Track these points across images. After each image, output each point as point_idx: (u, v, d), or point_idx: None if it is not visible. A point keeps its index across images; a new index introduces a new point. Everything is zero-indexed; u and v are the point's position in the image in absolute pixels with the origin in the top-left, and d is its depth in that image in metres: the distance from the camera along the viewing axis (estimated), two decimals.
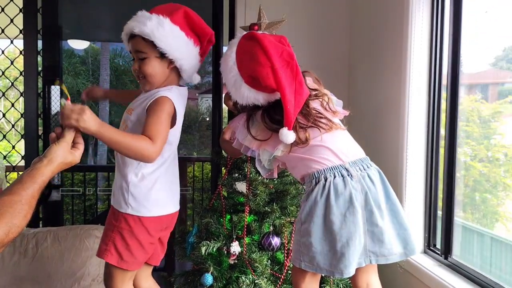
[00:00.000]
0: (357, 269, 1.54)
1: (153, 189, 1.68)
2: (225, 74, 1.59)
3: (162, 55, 1.63)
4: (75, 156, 1.21)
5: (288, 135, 1.48)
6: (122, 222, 1.67)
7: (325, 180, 1.52)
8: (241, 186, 2.13)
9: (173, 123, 1.66)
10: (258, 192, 2.04)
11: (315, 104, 1.60)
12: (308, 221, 1.52)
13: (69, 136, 1.23)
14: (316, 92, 1.62)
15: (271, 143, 1.58)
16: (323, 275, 1.59)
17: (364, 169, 1.56)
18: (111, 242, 1.68)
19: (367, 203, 1.51)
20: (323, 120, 1.57)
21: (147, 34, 1.58)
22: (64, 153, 1.18)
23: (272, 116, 1.56)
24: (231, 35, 2.97)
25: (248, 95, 1.54)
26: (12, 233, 0.99)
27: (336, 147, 1.56)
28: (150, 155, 1.48)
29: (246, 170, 2.10)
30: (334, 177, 1.51)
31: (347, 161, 1.55)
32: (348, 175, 1.52)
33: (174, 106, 1.62)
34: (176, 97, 1.66)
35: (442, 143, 2.18)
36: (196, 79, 1.81)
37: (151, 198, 1.68)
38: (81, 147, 1.25)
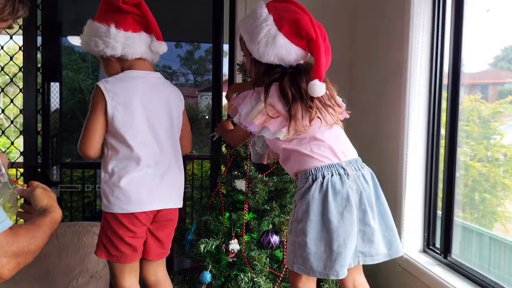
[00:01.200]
0: None
1: (120, 187, 1.69)
2: (254, 26, 1.53)
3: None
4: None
5: (321, 87, 1.47)
6: (104, 219, 1.75)
7: (323, 178, 1.50)
8: (241, 184, 2.13)
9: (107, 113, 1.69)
10: (258, 190, 2.04)
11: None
12: (304, 219, 1.50)
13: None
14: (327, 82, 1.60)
15: (275, 123, 1.54)
16: (316, 277, 1.56)
17: (359, 169, 1.57)
18: (99, 240, 1.78)
19: (361, 203, 1.52)
20: (330, 111, 1.57)
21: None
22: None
23: (298, 82, 1.53)
24: (232, 34, 2.96)
25: (282, 44, 1.50)
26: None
27: (335, 145, 1.56)
28: (80, 151, 1.70)
29: (246, 168, 2.09)
30: (332, 175, 1.50)
31: (344, 160, 1.55)
32: (345, 174, 1.51)
33: (101, 92, 1.67)
34: (112, 83, 1.71)
35: (442, 142, 2.18)
36: (161, 48, 1.78)
37: (119, 195, 1.70)
38: None
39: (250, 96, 1.58)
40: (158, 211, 1.79)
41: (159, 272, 1.92)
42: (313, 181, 1.51)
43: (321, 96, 1.54)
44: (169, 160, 1.80)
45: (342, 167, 1.53)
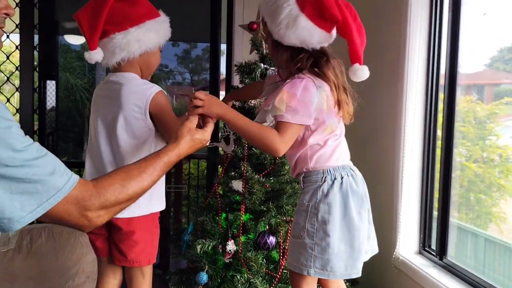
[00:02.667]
0: None
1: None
2: (275, 6, 1.42)
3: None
4: (203, 134, 1.32)
5: (363, 69, 1.41)
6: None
7: (342, 178, 1.49)
8: (237, 185, 2.13)
9: None
10: (254, 190, 2.04)
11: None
12: (327, 220, 1.46)
13: (194, 118, 1.33)
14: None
15: (333, 112, 1.48)
16: (337, 278, 1.55)
17: (357, 171, 1.58)
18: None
19: (366, 203, 1.55)
20: (351, 105, 1.54)
21: None
22: (189, 131, 1.28)
23: (321, 68, 1.45)
24: (229, 34, 2.96)
25: (304, 26, 1.39)
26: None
27: (346, 146, 1.58)
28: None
29: (243, 169, 2.09)
30: (348, 175, 1.51)
31: (349, 160, 1.58)
32: (355, 174, 1.54)
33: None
34: None
35: (438, 143, 2.19)
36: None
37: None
38: (209, 127, 1.36)
39: (303, 84, 1.42)
40: None
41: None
42: (332, 180, 1.49)
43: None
44: None
45: (351, 168, 1.54)
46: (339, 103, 1.49)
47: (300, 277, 1.55)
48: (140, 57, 1.67)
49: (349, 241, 1.47)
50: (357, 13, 1.45)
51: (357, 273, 1.49)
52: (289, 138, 1.42)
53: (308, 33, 1.41)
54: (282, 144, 1.41)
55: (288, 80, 1.46)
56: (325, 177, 1.49)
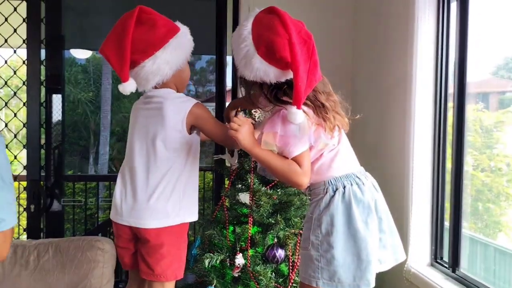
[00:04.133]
0: None
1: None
2: (236, 45, 1.50)
3: None
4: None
5: (297, 114, 1.41)
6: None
7: (344, 188, 1.50)
8: (245, 197, 2.12)
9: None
10: (262, 203, 2.03)
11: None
12: (330, 232, 1.48)
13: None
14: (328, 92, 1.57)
15: (321, 128, 1.49)
16: None
17: (367, 178, 1.58)
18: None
19: (377, 211, 1.53)
20: (339, 118, 1.53)
21: None
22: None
23: (279, 96, 1.48)
24: None
25: (258, 68, 1.44)
26: None
27: (348, 154, 1.57)
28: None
29: (250, 181, 2.08)
30: (351, 184, 1.51)
31: (357, 169, 1.56)
32: (361, 182, 1.52)
33: None
34: None
35: (448, 153, 2.18)
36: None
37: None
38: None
39: (282, 115, 1.48)
40: None
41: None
42: (334, 191, 1.50)
43: (330, 104, 1.52)
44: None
45: (357, 176, 1.53)
46: (324, 119, 1.49)
47: None
48: (172, 76, 1.73)
49: (356, 251, 1.46)
50: (315, 49, 1.46)
51: (367, 284, 1.47)
52: (307, 167, 1.48)
53: (263, 72, 1.45)
54: (304, 177, 1.48)
55: (269, 116, 1.54)
56: (327, 188, 1.51)
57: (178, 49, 1.70)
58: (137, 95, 1.85)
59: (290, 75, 1.44)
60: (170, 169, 1.73)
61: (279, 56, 1.41)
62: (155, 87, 1.73)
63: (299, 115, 1.42)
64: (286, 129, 1.46)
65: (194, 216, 1.81)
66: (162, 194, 1.71)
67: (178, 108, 1.72)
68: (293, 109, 1.41)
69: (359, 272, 1.46)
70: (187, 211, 1.77)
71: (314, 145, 1.49)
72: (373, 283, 1.48)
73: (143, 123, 1.78)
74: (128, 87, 1.65)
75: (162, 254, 1.72)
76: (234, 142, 1.56)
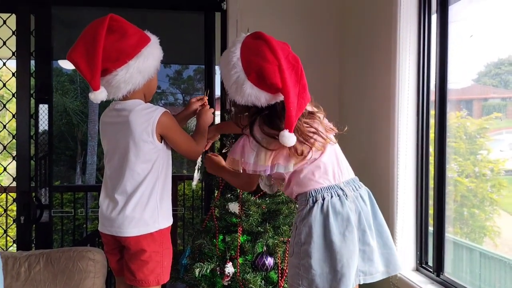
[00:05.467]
0: None
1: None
2: (226, 71, 1.53)
3: None
4: None
5: (289, 138, 1.44)
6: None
7: (323, 200, 1.53)
8: (234, 207, 2.14)
9: None
10: (251, 212, 2.05)
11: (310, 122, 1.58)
12: (307, 242, 1.51)
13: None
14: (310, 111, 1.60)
15: (282, 157, 1.54)
16: None
17: (357, 189, 1.60)
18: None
19: (360, 223, 1.55)
20: (316, 137, 1.55)
21: None
22: None
23: (273, 120, 1.52)
24: None
25: (250, 93, 1.49)
26: None
27: (333, 165, 1.59)
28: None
29: (239, 191, 2.11)
30: (332, 196, 1.53)
31: (342, 180, 1.58)
32: (344, 194, 1.54)
33: None
34: None
35: (430, 159, 2.22)
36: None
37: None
38: None
39: (248, 143, 1.57)
40: None
41: None
42: (314, 203, 1.53)
43: (307, 125, 1.55)
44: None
45: (341, 188, 1.55)
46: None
47: None
48: (143, 85, 1.74)
49: (332, 263, 1.50)
50: (303, 72, 1.50)
51: None
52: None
53: (255, 97, 1.50)
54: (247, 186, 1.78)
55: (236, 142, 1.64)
56: (308, 199, 1.55)
57: (149, 59, 1.70)
58: None
59: (280, 97, 1.48)
60: (146, 178, 1.75)
61: (269, 82, 1.46)
62: (125, 96, 1.73)
63: (292, 139, 1.45)
64: (245, 156, 1.56)
65: (169, 221, 1.85)
66: (139, 203, 1.74)
67: (145, 119, 1.72)
68: (285, 132, 1.44)
69: (334, 283, 1.50)
70: (164, 217, 1.80)
71: (271, 173, 1.57)
72: None
73: (113, 138, 1.79)
74: (99, 95, 1.64)
75: (143, 261, 1.75)
76: (196, 156, 1.90)
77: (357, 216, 1.55)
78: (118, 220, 1.74)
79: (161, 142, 1.77)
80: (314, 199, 1.54)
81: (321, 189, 1.54)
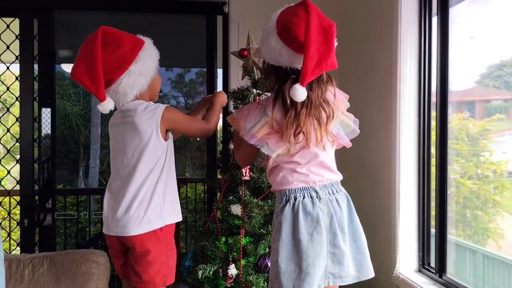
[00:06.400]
0: None
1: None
2: (263, 30, 1.56)
3: None
4: None
5: (300, 91, 1.44)
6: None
7: (295, 200, 1.55)
8: (236, 209, 2.15)
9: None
10: (253, 214, 2.06)
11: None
12: (277, 239, 1.55)
13: None
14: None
15: (274, 140, 1.55)
16: None
17: (333, 193, 1.60)
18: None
19: (331, 226, 1.56)
20: (319, 132, 1.54)
21: None
22: None
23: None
24: (225, 60, 3.03)
25: (274, 47, 1.50)
26: None
27: (313, 168, 1.59)
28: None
29: (241, 193, 2.12)
30: (304, 197, 1.55)
31: (319, 184, 1.59)
32: (317, 197, 1.56)
33: None
34: None
35: (432, 161, 2.22)
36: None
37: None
38: None
39: (254, 109, 1.59)
40: None
41: None
42: (287, 202, 1.56)
43: (314, 111, 1.54)
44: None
45: (315, 191, 1.57)
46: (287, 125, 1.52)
47: None
48: (148, 87, 1.81)
49: (298, 261, 1.51)
50: (334, 36, 1.48)
51: None
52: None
53: (278, 51, 1.51)
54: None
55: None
56: (282, 198, 1.58)
57: (147, 60, 1.76)
58: None
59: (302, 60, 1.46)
60: (148, 177, 1.77)
61: (293, 33, 1.46)
62: (132, 100, 1.79)
63: (302, 94, 1.45)
64: (246, 120, 1.58)
65: (177, 217, 1.86)
66: (142, 202, 1.76)
67: (148, 117, 1.76)
68: (297, 85, 1.45)
69: (298, 281, 1.51)
70: (169, 213, 1.81)
71: (255, 145, 1.56)
72: None
73: (120, 139, 1.82)
74: (107, 106, 1.72)
75: (149, 262, 1.76)
76: (208, 134, 1.93)
77: (328, 219, 1.56)
78: (123, 220, 1.75)
79: (166, 140, 1.80)
80: (287, 198, 1.57)
81: (295, 189, 1.57)
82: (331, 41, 1.47)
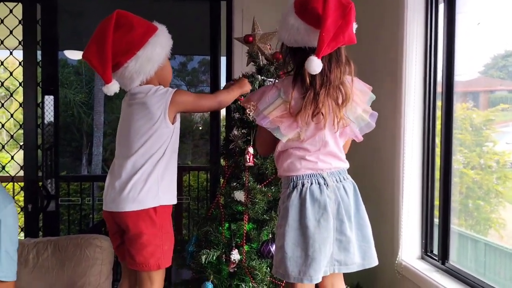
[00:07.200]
0: (323, 277, 1.57)
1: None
2: (282, 15, 1.56)
3: None
4: None
5: (316, 62, 1.42)
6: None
7: (303, 186, 1.55)
8: (239, 195, 2.15)
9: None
10: (257, 200, 2.06)
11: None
12: (283, 224, 1.55)
13: None
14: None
15: (286, 125, 1.53)
16: (291, 282, 1.57)
17: (341, 181, 1.60)
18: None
19: (338, 213, 1.56)
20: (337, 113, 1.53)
21: None
22: None
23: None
24: (229, 46, 3.01)
25: (292, 24, 1.49)
26: None
27: (321, 155, 1.59)
28: None
29: (244, 179, 2.12)
30: (311, 184, 1.55)
31: (327, 170, 1.59)
32: (325, 184, 1.56)
33: None
34: None
35: (437, 151, 2.22)
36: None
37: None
38: None
39: (269, 91, 1.58)
40: None
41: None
42: (294, 188, 1.56)
43: (332, 93, 1.52)
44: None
45: (323, 177, 1.57)
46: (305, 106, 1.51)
47: (289, 284, 1.61)
48: (155, 74, 1.81)
49: (304, 247, 1.52)
50: (352, 12, 1.48)
51: (309, 279, 1.52)
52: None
53: (296, 29, 1.50)
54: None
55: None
56: (289, 184, 1.58)
57: (157, 47, 1.77)
58: None
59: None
60: (151, 157, 1.78)
61: (310, 7, 1.44)
62: (140, 85, 1.81)
63: (317, 64, 1.43)
64: (260, 102, 1.56)
65: (172, 199, 1.86)
66: (139, 180, 1.77)
67: (158, 99, 1.78)
68: (312, 56, 1.43)
69: (304, 267, 1.52)
70: (165, 193, 1.82)
71: (266, 127, 1.55)
72: (316, 280, 1.53)
73: (125, 119, 1.85)
74: (111, 87, 1.75)
75: (142, 244, 1.76)
76: (221, 107, 2.02)
77: (336, 206, 1.56)
78: (119, 197, 1.77)
79: (173, 124, 1.82)
80: (295, 184, 1.57)
81: (303, 175, 1.56)
82: (349, 15, 1.46)
